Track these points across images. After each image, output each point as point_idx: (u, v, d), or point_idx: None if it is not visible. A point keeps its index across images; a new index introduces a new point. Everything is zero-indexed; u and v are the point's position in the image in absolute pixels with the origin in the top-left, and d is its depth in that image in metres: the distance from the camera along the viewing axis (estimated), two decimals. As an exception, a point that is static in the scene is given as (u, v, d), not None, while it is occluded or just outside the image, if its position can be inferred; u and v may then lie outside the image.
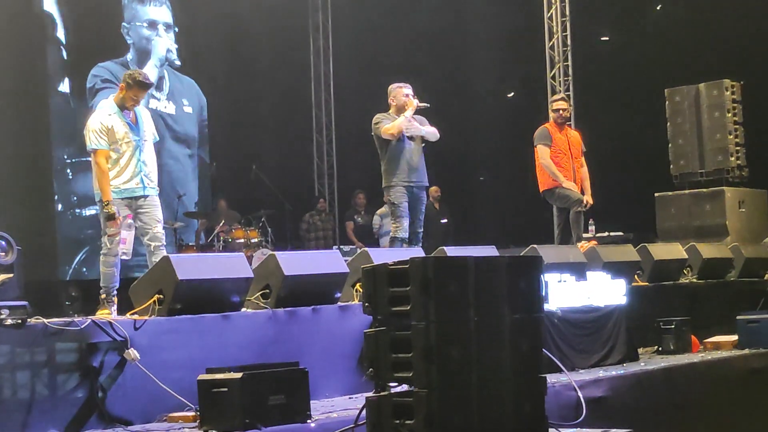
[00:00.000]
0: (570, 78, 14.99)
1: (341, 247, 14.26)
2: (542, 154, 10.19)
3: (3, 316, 5.29)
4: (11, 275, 7.63)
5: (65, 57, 14.02)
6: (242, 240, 12.90)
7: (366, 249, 8.03)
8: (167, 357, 5.84)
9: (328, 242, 15.36)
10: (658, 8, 16.61)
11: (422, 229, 9.24)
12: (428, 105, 9.28)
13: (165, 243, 7.61)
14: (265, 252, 12.03)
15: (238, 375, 5.20)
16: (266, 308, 6.56)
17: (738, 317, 8.75)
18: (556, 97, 11.38)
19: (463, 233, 15.54)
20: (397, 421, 4.45)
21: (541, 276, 4.96)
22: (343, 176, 17.72)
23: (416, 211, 9.12)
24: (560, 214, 10.77)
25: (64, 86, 13.88)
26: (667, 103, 13.80)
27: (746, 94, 13.47)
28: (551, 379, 5.69)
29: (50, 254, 13.33)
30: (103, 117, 7.48)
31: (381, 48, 17.19)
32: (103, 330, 5.63)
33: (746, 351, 8.43)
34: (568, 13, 15.04)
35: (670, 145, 13.70)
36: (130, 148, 7.50)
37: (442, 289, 4.45)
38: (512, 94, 18.04)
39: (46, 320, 5.50)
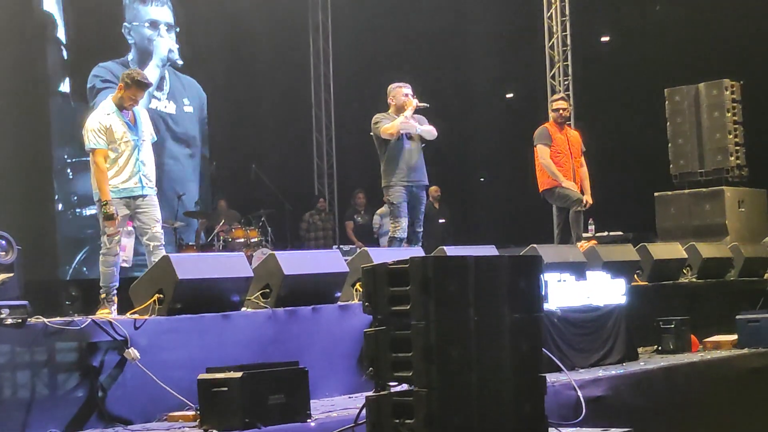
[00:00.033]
0: (570, 78, 14.99)
1: (341, 246, 14.27)
2: (542, 153, 10.19)
3: (3, 316, 5.30)
4: (11, 275, 7.63)
5: (65, 57, 14.02)
6: (242, 239, 12.90)
7: (366, 248, 8.03)
8: (167, 356, 5.84)
9: (328, 242, 15.37)
10: (657, 8, 16.61)
11: (422, 229, 9.24)
12: (427, 105, 9.29)
13: (164, 242, 7.61)
14: (265, 251, 12.04)
15: (238, 374, 5.20)
16: (266, 308, 6.56)
17: (737, 317, 8.75)
18: (555, 96, 11.37)
19: (463, 233, 15.54)
20: (397, 421, 4.45)
21: (541, 275, 4.96)
22: (343, 176, 17.74)
23: (416, 211, 9.12)
24: (560, 214, 10.78)
25: (65, 86, 13.88)
26: (666, 102, 13.80)
27: (746, 93, 13.47)
28: (551, 378, 5.69)
29: (50, 254, 13.34)
30: (102, 116, 7.47)
31: (381, 48, 17.20)
32: (103, 329, 5.64)
33: (746, 350, 8.43)
34: (568, 12, 15.04)
35: (669, 144, 13.70)
36: (129, 148, 7.49)
37: (442, 288, 4.45)
38: (511, 95, 18.05)
39: (46, 320, 5.50)
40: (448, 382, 4.41)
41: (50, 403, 5.42)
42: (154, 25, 15.12)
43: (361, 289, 5.27)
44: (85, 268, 13.35)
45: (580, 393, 6.37)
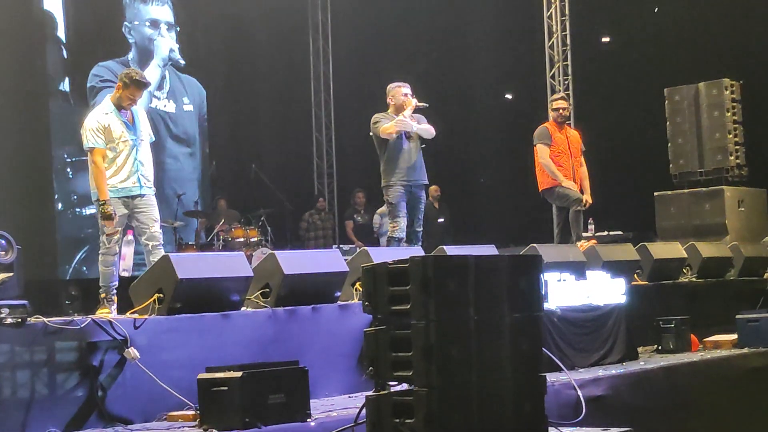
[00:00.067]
0: (569, 77, 14.99)
1: (341, 246, 14.27)
2: (542, 153, 10.19)
3: (3, 315, 5.29)
4: (11, 274, 7.61)
5: (66, 56, 14.02)
6: (242, 239, 12.90)
7: (366, 248, 8.04)
8: (167, 356, 5.84)
9: (328, 241, 15.37)
10: (656, 10, 16.62)
11: (422, 228, 9.24)
12: (427, 105, 9.29)
13: (162, 242, 7.60)
14: (264, 251, 12.04)
15: (238, 374, 5.20)
16: (266, 307, 6.57)
17: (737, 316, 8.74)
18: (555, 96, 11.37)
19: (463, 232, 15.54)
20: (397, 420, 4.45)
21: (541, 275, 4.96)
22: (343, 175, 17.74)
23: (415, 210, 9.12)
24: (560, 214, 10.77)
25: (65, 86, 13.88)
26: (666, 102, 13.81)
27: (746, 93, 13.48)
28: (551, 378, 5.69)
29: (50, 253, 13.34)
30: (100, 116, 7.46)
31: (380, 47, 17.21)
32: (103, 329, 5.63)
33: (746, 350, 8.43)
34: (567, 12, 15.05)
35: (669, 144, 13.71)
36: (127, 147, 7.48)
37: (442, 288, 4.45)
38: (510, 96, 18.04)
39: (46, 319, 5.49)
40: (448, 382, 4.41)
41: (50, 402, 5.42)
42: (154, 24, 15.12)
43: (361, 289, 5.27)
44: (84, 268, 13.35)
45: (580, 392, 6.37)
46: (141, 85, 7.55)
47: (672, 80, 13.95)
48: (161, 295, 6.06)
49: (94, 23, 14.19)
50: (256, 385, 5.21)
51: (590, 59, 15.66)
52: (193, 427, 5.39)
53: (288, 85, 17.29)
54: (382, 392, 4.57)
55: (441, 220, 15.12)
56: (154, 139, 7.88)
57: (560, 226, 10.49)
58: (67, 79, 13.90)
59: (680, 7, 15.78)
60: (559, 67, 15.03)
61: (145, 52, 14.96)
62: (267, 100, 16.80)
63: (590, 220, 12.31)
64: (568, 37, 15.05)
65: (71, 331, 5.51)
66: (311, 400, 5.53)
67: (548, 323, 7.02)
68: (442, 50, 17.57)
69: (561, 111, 10.46)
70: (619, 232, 12.78)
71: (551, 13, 15.11)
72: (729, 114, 13.27)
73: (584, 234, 10.78)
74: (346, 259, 7.53)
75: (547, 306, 6.83)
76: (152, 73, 14.76)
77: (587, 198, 10.15)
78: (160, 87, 15.04)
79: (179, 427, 5.43)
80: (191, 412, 5.55)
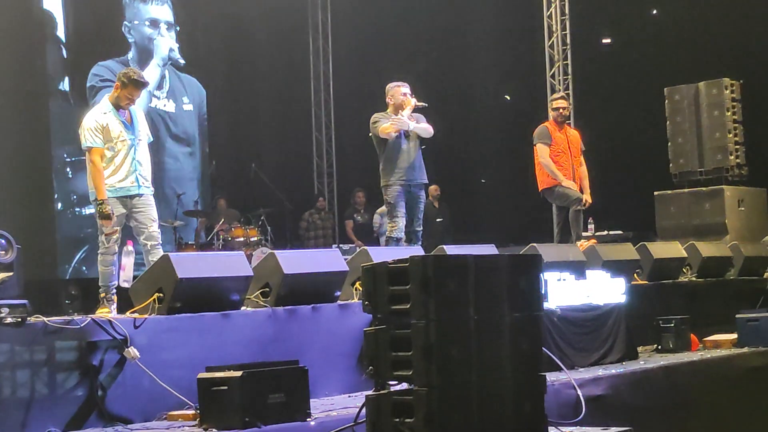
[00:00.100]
0: (569, 77, 14.99)
1: (341, 245, 14.26)
2: (542, 152, 10.19)
3: (3, 315, 5.29)
4: (11, 274, 7.62)
5: (65, 56, 14.02)
6: (242, 238, 12.91)
7: (366, 247, 8.04)
8: (167, 355, 5.84)
9: (328, 241, 15.37)
10: (653, 12, 16.62)
11: (422, 228, 9.24)
12: (426, 104, 9.28)
13: (161, 241, 7.60)
14: (264, 250, 12.04)
15: (238, 373, 5.20)
16: (266, 307, 6.56)
17: (737, 315, 8.75)
18: (555, 95, 11.37)
19: (463, 232, 15.54)
20: (397, 420, 4.45)
21: (541, 275, 4.97)
22: (343, 175, 17.74)
23: (415, 210, 9.11)
24: (559, 213, 10.78)
25: (65, 85, 13.88)
26: (666, 101, 13.81)
27: (746, 92, 13.49)
28: (551, 377, 5.69)
29: (50, 253, 13.34)
30: (98, 115, 7.45)
31: (380, 47, 17.21)
32: (103, 328, 5.63)
33: (745, 349, 8.43)
34: (567, 12, 15.05)
35: (669, 143, 13.71)
36: (125, 147, 7.47)
37: (442, 287, 4.45)
38: (509, 97, 18.04)
39: (45, 319, 5.49)
40: (448, 381, 4.42)
41: (50, 402, 5.41)
42: (154, 23, 15.12)
43: (360, 288, 5.27)
44: (84, 267, 13.35)
45: (579, 392, 6.37)
46: (139, 84, 7.53)
47: (672, 80, 13.95)
48: (161, 295, 6.06)
49: (94, 23, 14.18)
50: (255, 385, 5.21)
51: (590, 59, 15.66)
52: (193, 426, 5.39)
53: (288, 84, 17.29)
54: (382, 392, 4.57)
55: (439, 219, 15.12)
56: (152, 139, 7.87)
57: (560, 225, 10.49)
58: (66, 79, 13.90)
59: (680, 7, 15.79)
60: (559, 66, 15.03)
61: (144, 51, 14.96)
62: (267, 99, 16.80)
63: (590, 220, 12.31)
64: (568, 36, 15.05)
65: (71, 330, 5.51)
66: (311, 400, 5.53)
67: (548, 323, 7.02)
68: (442, 50, 17.57)
69: (561, 110, 10.46)
70: (619, 232, 12.78)
71: (551, 12, 15.11)
72: (729, 113, 13.27)
73: (584, 233, 10.78)
74: (346, 259, 7.52)
75: (546, 305, 6.83)
76: (152, 72, 14.77)
77: (587, 197, 10.15)
78: (159, 86, 15.04)
79: (179, 427, 5.42)
80: (191, 412, 5.55)
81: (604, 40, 16.91)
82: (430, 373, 4.37)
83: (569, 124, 11.41)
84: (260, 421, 5.14)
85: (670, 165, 13.65)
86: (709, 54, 14.82)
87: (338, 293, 7.08)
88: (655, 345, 8.52)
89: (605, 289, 7.77)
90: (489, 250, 8.23)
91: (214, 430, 5.22)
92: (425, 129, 9.12)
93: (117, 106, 7.49)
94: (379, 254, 7.02)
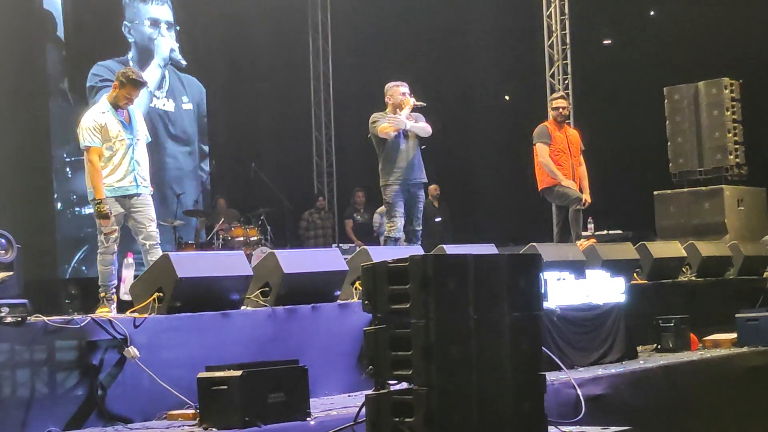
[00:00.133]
0: (569, 76, 15.00)
1: (340, 245, 14.27)
2: (541, 152, 10.20)
3: (3, 314, 5.29)
4: (11, 273, 7.63)
5: (65, 56, 14.01)
6: (241, 238, 12.91)
7: (365, 247, 8.04)
8: (167, 355, 5.84)
9: (328, 240, 15.37)
10: (651, 14, 16.62)
11: (421, 227, 9.24)
12: (425, 104, 9.28)
13: (159, 241, 7.60)
14: (264, 250, 12.04)
15: (238, 373, 5.20)
16: (266, 306, 6.56)
17: (737, 315, 8.75)
18: (555, 95, 11.36)
19: (463, 231, 15.54)
20: (397, 419, 4.45)
21: (541, 274, 4.97)
22: (343, 174, 17.74)
23: (414, 209, 9.11)
24: (559, 213, 10.76)
25: (64, 85, 13.88)
26: (666, 101, 13.81)
27: (745, 92, 13.49)
28: (550, 377, 5.69)
29: (50, 253, 13.34)
30: (97, 115, 7.45)
31: (380, 47, 17.21)
32: (103, 328, 5.64)
33: (745, 349, 8.43)
34: (567, 11, 15.05)
35: (669, 143, 13.72)
36: (124, 147, 7.46)
37: (442, 287, 4.46)
38: (508, 98, 18.04)
39: (45, 318, 5.50)
40: (448, 381, 4.42)
41: (50, 401, 5.42)
42: (154, 23, 15.12)
43: (360, 288, 5.28)
44: (84, 267, 13.35)
45: (579, 391, 6.37)
46: (138, 84, 7.52)
47: (672, 80, 13.96)
48: (161, 294, 6.06)
49: (94, 23, 14.18)
50: (255, 384, 5.21)
51: (590, 58, 15.66)
52: (192, 426, 5.39)
53: (288, 84, 17.29)
54: (381, 391, 4.57)
55: (439, 219, 15.12)
56: (150, 139, 7.86)
57: (560, 225, 10.49)
58: (66, 79, 13.90)
59: (680, 7, 15.79)
60: (558, 66, 15.04)
61: (144, 51, 14.96)
62: (267, 99, 16.80)
63: (590, 219, 12.32)
64: (568, 36, 15.05)
65: (71, 330, 5.51)
66: (311, 399, 5.53)
67: (548, 322, 7.03)
68: (442, 49, 17.56)
69: (561, 110, 10.46)
70: (619, 231, 12.77)
71: (551, 12, 15.11)
72: (728, 113, 13.28)
73: (584, 233, 10.78)
74: (345, 258, 7.52)
75: (546, 305, 6.84)
76: (152, 72, 14.77)
77: (586, 197, 10.16)
78: (159, 86, 15.04)
79: (179, 426, 5.43)
80: (191, 411, 5.56)
81: (605, 41, 16.90)
82: (430, 372, 4.37)
83: (569, 124, 11.41)
84: (260, 421, 5.15)
85: (670, 164, 13.65)
86: (709, 54, 14.82)
87: (338, 293, 7.08)
88: (655, 344, 8.52)
89: (605, 289, 7.77)
90: (489, 249, 8.23)
91: (214, 429, 5.22)
92: (423, 128, 9.11)
93: (115, 106, 7.49)
94: (379, 254, 7.02)
